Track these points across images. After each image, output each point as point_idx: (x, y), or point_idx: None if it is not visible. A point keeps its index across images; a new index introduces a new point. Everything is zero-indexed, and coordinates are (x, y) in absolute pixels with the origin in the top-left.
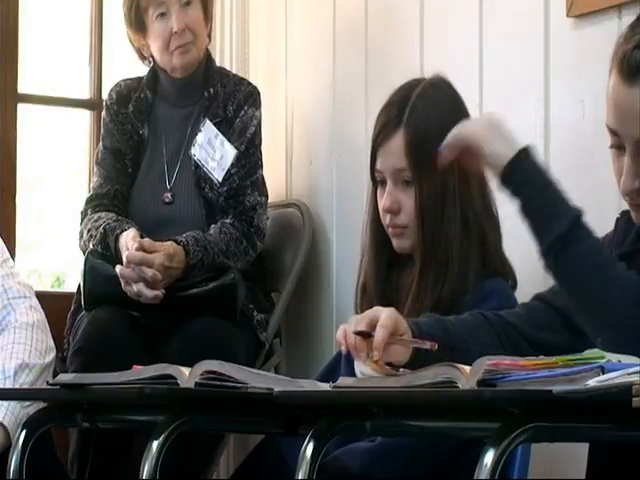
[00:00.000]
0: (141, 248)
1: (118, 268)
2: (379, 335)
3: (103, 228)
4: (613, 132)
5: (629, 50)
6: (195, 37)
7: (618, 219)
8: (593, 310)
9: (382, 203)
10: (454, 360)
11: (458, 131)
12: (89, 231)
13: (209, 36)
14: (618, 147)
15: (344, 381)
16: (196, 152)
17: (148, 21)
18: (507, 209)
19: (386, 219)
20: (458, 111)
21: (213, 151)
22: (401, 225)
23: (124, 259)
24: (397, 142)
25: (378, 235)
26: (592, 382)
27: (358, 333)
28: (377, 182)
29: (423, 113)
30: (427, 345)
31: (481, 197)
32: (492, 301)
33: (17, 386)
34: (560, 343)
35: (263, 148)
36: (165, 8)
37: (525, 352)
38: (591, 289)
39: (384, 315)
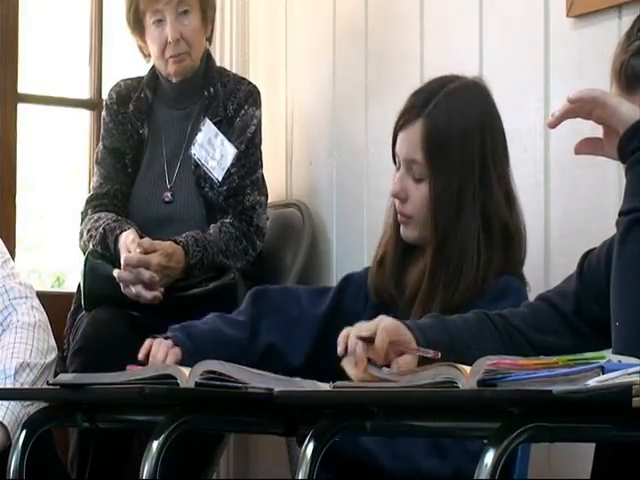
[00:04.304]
0: (141, 250)
1: (116, 272)
2: (379, 338)
3: (103, 228)
4: None
5: (626, 60)
6: (190, 47)
7: None
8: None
9: (392, 186)
10: (456, 362)
11: (585, 89)
12: (89, 231)
13: (209, 39)
14: None
15: (344, 381)
16: (196, 151)
17: (146, 24)
18: None
19: (395, 203)
20: (488, 120)
21: (213, 150)
22: (407, 214)
23: (122, 261)
24: (415, 131)
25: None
26: (592, 382)
27: (361, 338)
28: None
29: (445, 111)
30: (430, 354)
31: (504, 199)
32: (508, 298)
33: (17, 385)
34: (563, 347)
35: (263, 148)
36: (161, 15)
37: (527, 355)
38: None
39: (385, 321)
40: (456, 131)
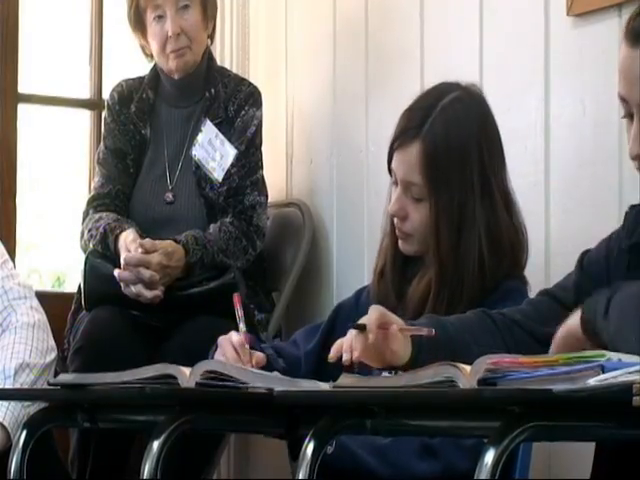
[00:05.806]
0: (143, 250)
1: (116, 272)
2: (370, 316)
3: (103, 228)
4: (623, 100)
5: (634, 15)
6: (191, 41)
7: (627, 212)
8: None
9: (390, 205)
10: (456, 361)
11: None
12: (90, 231)
13: (211, 37)
14: (629, 115)
15: (344, 381)
16: (197, 152)
17: (147, 21)
18: None
19: (394, 220)
20: (483, 129)
21: (213, 151)
22: (406, 232)
23: (122, 261)
24: (412, 153)
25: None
26: (592, 381)
27: (355, 327)
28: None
29: (442, 131)
30: (424, 331)
31: (505, 210)
32: (510, 300)
33: (17, 386)
34: None
35: (263, 148)
36: (162, 11)
37: (531, 349)
38: None
39: (375, 307)
40: (454, 150)
